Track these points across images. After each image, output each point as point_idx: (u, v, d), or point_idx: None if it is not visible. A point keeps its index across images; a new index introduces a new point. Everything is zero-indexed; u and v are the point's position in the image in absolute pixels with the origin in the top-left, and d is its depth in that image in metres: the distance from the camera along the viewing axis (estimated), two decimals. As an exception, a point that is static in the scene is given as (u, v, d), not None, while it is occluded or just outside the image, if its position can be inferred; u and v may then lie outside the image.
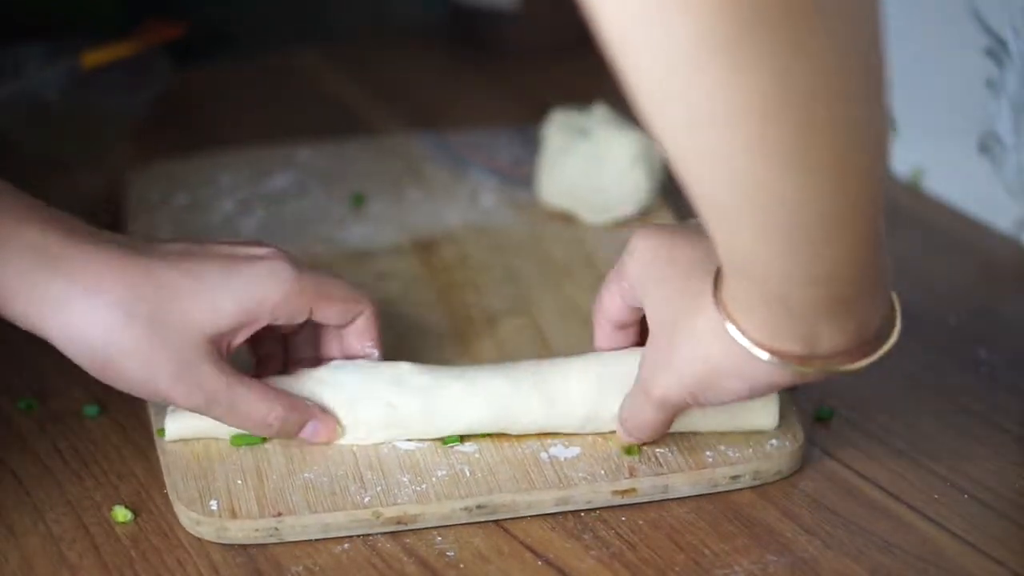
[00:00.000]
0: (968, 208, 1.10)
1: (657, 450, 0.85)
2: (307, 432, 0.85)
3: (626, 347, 0.87)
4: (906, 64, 1.12)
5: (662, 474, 0.83)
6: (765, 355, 0.76)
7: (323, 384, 0.86)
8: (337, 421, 0.85)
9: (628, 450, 0.84)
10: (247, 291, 0.83)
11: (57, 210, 0.83)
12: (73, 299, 0.81)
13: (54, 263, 0.81)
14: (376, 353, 0.88)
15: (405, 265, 1.02)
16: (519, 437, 0.85)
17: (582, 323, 0.95)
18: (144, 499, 0.84)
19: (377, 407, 0.85)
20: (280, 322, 0.85)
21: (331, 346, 0.89)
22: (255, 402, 0.84)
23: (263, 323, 0.84)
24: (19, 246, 0.81)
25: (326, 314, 0.86)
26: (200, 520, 0.81)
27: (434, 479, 0.83)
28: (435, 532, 0.82)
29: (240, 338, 0.84)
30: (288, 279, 0.84)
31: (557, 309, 0.96)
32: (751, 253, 0.73)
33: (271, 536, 0.81)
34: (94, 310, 0.81)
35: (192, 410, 0.83)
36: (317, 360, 0.89)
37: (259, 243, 0.86)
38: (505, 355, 0.92)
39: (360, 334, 0.88)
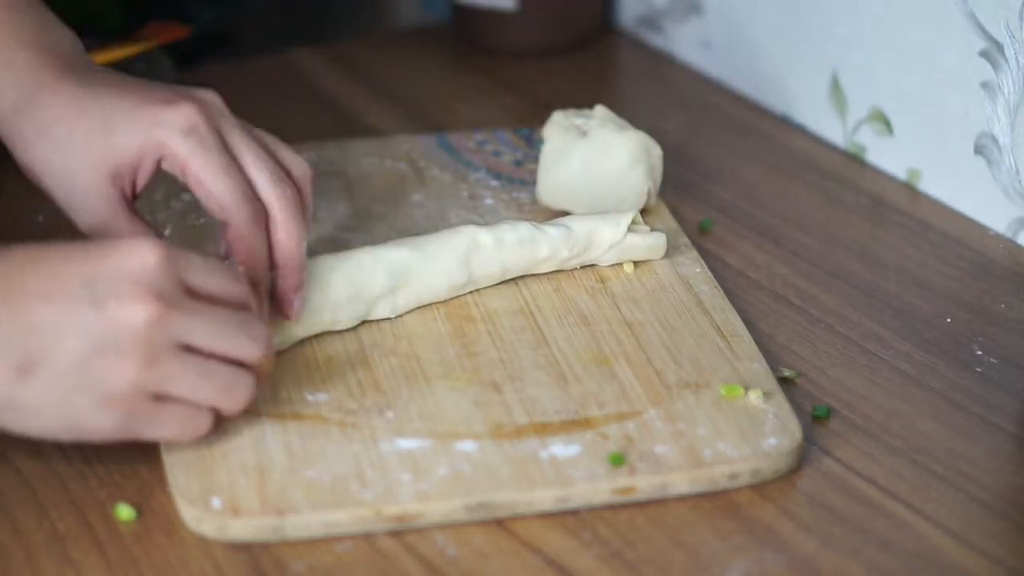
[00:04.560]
0: (964, 209, 1.10)
1: (656, 449, 0.85)
2: None
3: None
4: (902, 66, 1.13)
5: (661, 473, 0.84)
6: None
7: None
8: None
9: (614, 459, 0.84)
10: (140, 130, 0.88)
11: (55, 35, 0.92)
12: (24, 111, 0.90)
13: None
14: (240, 271, 0.88)
15: (405, 265, 1.02)
16: (519, 436, 0.86)
17: (582, 323, 0.96)
18: (147, 497, 0.84)
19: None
20: (167, 168, 0.90)
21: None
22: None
23: (150, 164, 0.89)
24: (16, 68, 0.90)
25: (196, 192, 0.89)
26: (203, 518, 0.81)
27: (435, 477, 0.83)
28: (436, 530, 0.82)
29: (140, 181, 0.90)
30: (179, 128, 0.88)
31: (557, 309, 0.97)
32: None
33: (273, 534, 0.81)
34: (32, 123, 0.90)
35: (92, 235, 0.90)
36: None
37: (194, 90, 0.91)
38: (504, 354, 0.92)
39: (230, 245, 0.89)
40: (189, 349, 0.80)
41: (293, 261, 0.90)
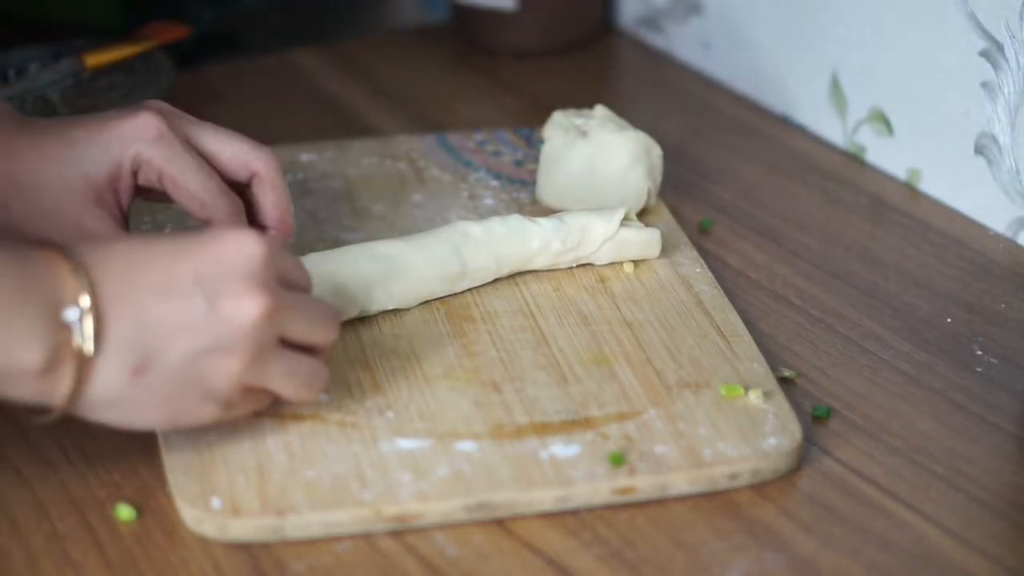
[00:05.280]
0: (964, 209, 1.10)
1: (656, 449, 0.85)
2: None
3: None
4: (902, 66, 1.13)
5: (661, 473, 0.84)
6: None
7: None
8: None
9: (614, 459, 0.84)
10: (108, 150, 0.88)
11: None
12: None
13: None
14: None
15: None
16: (519, 436, 0.86)
17: (582, 323, 0.96)
18: (147, 497, 0.84)
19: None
20: (145, 183, 0.90)
21: None
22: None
23: (127, 178, 0.89)
24: None
25: (175, 195, 0.90)
26: (203, 518, 0.81)
27: (435, 477, 0.83)
28: (436, 530, 0.82)
29: (123, 196, 0.89)
30: (145, 139, 0.89)
31: (557, 309, 0.97)
32: None
33: (273, 534, 0.81)
34: None
35: None
36: None
37: (145, 104, 0.91)
38: (504, 354, 0.93)
39: None
40: (284, 342, 0.82)
41: (286, 219, 0.92)
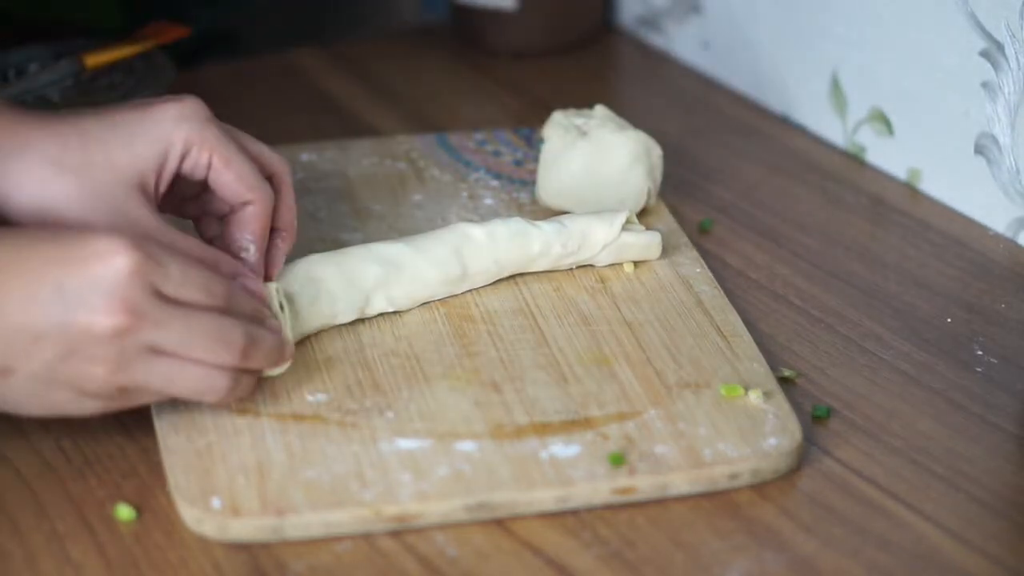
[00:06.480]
0: (964, 209, 1.10)
1: (656, 449, 0.85)
2: (235, 287, 0.88)
3: None
4: (902, 66, 1.13)
5: (661, 473, 0.84)
6: None
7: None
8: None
9: (614, 459, 0.84)
10: (160, 129, 0.88)
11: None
12: (4, 160, 0.85)
13: None
14: (253, 249, 0.91)
15: (405, 265, 1.02)
16: (519, 436, 0.86)
17: (582, 323, 0.96)
18: (147, 497, 0.84)
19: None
20: (185, 168, 0.89)
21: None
22: (190, 243, 0.87)
23: (175, 161, 0.88)
24: None
25: (221, 178, 0.90)
26: (202, 518, 0.81)
27: (435, 477, 0.83)
28: (436, 530, 0.82)
29: (163, 181, 0.89)
30: (198, 119, 0.89)
31: (557, 309, 0.97)
32: None
33: (273, 534, 0.81)
34: (26, 167, 0.86)
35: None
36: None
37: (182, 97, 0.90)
38: (504, 354, 0.93)
39: (243, 224, 0.91)
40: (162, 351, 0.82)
41: (294, 221, 0.94)
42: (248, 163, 0.90)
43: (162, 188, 0.89)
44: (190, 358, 0.82)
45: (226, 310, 0.84)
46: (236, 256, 0.91)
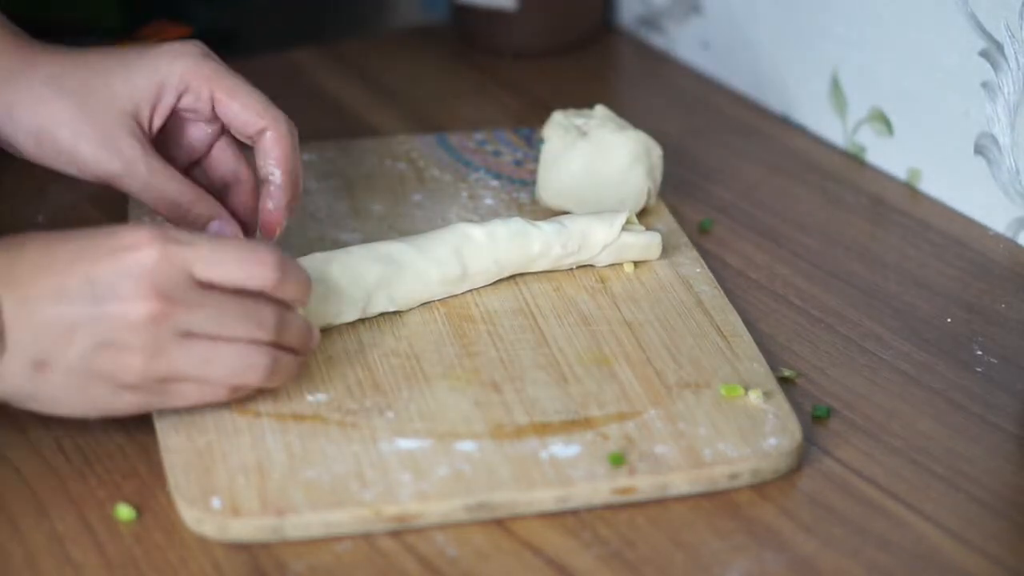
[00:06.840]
0: (964, 209, 1.10)
1: (656, 449, 0.85)
2: (213, 227, 0.91)
3: None
4: (902, 66, 1.13)
5: (661, 473, 0.84)
6: None
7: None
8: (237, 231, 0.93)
9: (614, 459, 0.84)
10: (158, 64, 0.92)
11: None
12: (11, 78, 0.90)
13: None
14: (277, 174, 0.93)
15: (406, 265, 1.02)
16: (519, 436, 0.86)
17: (582, 323, 0.96)
18: (147, 497, 0.84)
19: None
20: (187, 103, 0.92)
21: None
22: (169, 180, 0.90)
23: (172, 95, 0.92)
24: None
25: (229, 109, 0.92)
26: (202, 518, 0.81)
27: (435, 477, 0.83)
28: (436, 530, 0.82)
29: (158, 116, 0.91)
30: (194, 55, 0.92)
31: (557, 309, 0.97)
32: None
33: (273, 534, 0.81)
34: (29, 85, 0.90)
35: (109, 181, 0.91)
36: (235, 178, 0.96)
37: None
38: (504, 354, 0.93)
39: (264, 152, 0.93)
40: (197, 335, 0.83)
41: (298, 167, 0.94)
42: (253, 91, 0.92)
43: (156, 122, 0.92)
44: (224, 336, 0.83)
45: (260, 293, 0.85)
46: (264, 181, 0.93)
